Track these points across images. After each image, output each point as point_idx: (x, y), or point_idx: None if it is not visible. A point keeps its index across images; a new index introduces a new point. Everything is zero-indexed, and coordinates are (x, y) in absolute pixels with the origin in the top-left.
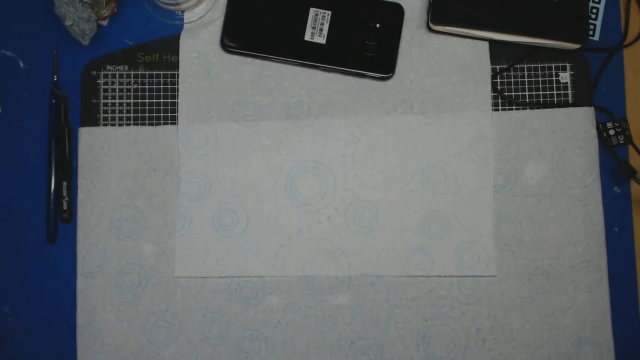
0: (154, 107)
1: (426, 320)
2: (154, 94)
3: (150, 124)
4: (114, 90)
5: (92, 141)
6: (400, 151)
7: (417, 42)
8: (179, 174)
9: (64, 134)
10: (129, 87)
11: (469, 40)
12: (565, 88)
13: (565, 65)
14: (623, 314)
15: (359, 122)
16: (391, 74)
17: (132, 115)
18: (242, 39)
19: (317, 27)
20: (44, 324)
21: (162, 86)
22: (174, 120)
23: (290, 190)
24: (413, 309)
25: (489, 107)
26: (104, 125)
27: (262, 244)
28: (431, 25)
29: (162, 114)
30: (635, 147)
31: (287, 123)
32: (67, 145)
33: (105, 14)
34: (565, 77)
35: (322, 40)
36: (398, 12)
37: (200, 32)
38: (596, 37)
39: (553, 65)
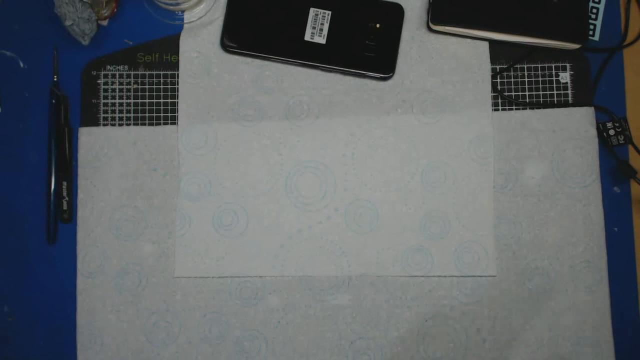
0: (154, 107)
1: (426, 320)
2: (154, 94)
3: (150, 124)
4: (114, 90)
5: (92, 141)
6: (400, 151)
7: (417, 42)
8: (179, 174)
9: (64, 134)
10: (129, 87)
11: (469, 40)
12: (565, 88)
13: (565, 65)
14: (623, 314)
15: (359, 122)
16: (391, 74)
17: (132, 115)
18: (242, 39)
19: (317, 27)
20: (44, 324)
21: (162, 86)
22: (174, 120)
23: (290, 190)
24: (413, 309)
25: (489, 107)
26: (104, 125)
27: (262, 244)
28: (431, 25)
29: (162, 114)
30: (635, 147)
31: (287, 123)
32: (67, 145)
33: (105, 14)
34: (565, 77)
35: (322, 40)
36: (398, 12)
37: (200, 32)
38: (596, 37)
39: (553, 65)
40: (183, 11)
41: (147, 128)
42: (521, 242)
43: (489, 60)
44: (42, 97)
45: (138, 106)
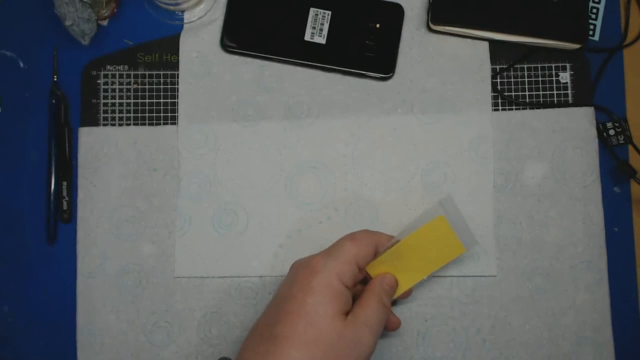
0: (154, 107)
1: (426, 320)
2: (154, 94)
3: (150, 124)
4: (114, 90)
5: (92, 141)
6: (400, 151)
7: (417, 42)
8: (179, 174)
9: (64, 134)
10: (129, 87)
11: (469, 40)
12: (565, 88)
13: (565, 65)
14: (623, 314)
15: (359, 122)
16: (391, 74)
17: (132, 115)
18: (242, 39)
19: (317, 27)
20: (44, 324)
21: (162, 86)
22: (174, 120)
23: (290, 190)
24: (413, 309)
25: (489, 107)
26: (104, 125)
27: (262, 244)
28: (431, 25)
29: (162, 114)
30: (635, 147)
31: (287, 123)
32: (67, 145)
33: (105, 14)
34: (565, 77)
35: (322, 40)
36: (398, 12)
37: (200, 32)
38: (596, 37)
39: (553, 65)
40: (183, 11)
41: (147, 128)
42: (521, 242)
43: (489, 60)
44: (42, 97)
45: (138, 106)
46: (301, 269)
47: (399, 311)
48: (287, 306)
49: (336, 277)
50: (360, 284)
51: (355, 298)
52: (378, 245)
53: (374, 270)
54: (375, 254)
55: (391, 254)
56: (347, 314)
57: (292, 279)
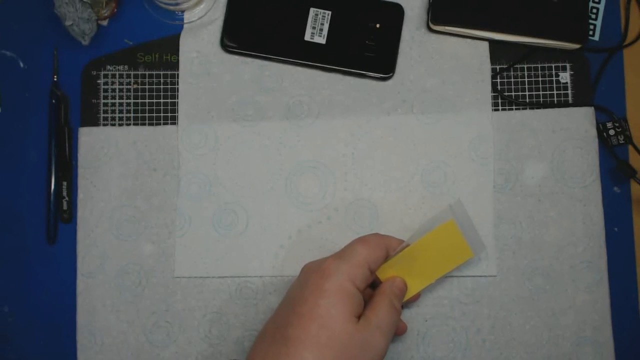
0: (154, 107)
1: (426, 321)
2: (154, 94)
3: (150, 124)
4: (114, 90)
5: (92, 141)
6: (400, 151)
7: (417, 42)
8: (179, 174)
9: (64, 134)
10: (129, 87)
11: (469, 40)
12: (565, 88)
13: (565, 65)
14: (623, 315)
15: (359, 122)
16: (391, 74)
17: (132, 115)
18: (242, 39)
19: (317, 27)
20: (44, 324)
21: (162, 86)
22: (174, 120)
23: (290, 190)
24: (413, 309)
25: (489, 107)
26: (104, 125)
27: (262, 244)
28: (431, 25)
29: (162, 114)
30: (635, 147)
31: (287, 123)
32: (67, 145)
33: (105, 14)
34: (565, 77)
35: (322, 40)
36: (398, 12)
37: (200, 32)
38: (596, 37)
39: (553, 65)
40: (183, 11)
41: (147, 128)
42: (521, 242)
43: (489, 60)
44: (42, 97)
45: (138, 106)
46: (312, 272)
47: None
48: (299, 309)
49: (348, 279)
50: (369, 288)
51: (365, 302)
52: (389, 248)
53: (383, 274)
54: (386, 258)
55: (401, 258)
56: (358, 317)
57: (303, 282)
